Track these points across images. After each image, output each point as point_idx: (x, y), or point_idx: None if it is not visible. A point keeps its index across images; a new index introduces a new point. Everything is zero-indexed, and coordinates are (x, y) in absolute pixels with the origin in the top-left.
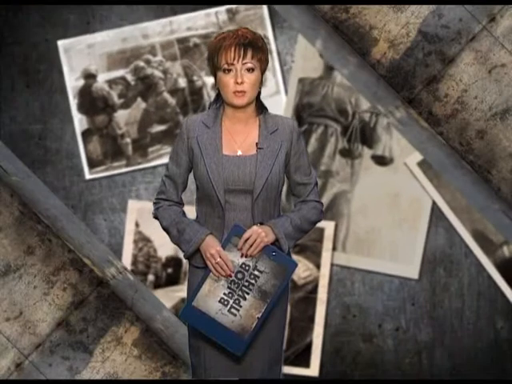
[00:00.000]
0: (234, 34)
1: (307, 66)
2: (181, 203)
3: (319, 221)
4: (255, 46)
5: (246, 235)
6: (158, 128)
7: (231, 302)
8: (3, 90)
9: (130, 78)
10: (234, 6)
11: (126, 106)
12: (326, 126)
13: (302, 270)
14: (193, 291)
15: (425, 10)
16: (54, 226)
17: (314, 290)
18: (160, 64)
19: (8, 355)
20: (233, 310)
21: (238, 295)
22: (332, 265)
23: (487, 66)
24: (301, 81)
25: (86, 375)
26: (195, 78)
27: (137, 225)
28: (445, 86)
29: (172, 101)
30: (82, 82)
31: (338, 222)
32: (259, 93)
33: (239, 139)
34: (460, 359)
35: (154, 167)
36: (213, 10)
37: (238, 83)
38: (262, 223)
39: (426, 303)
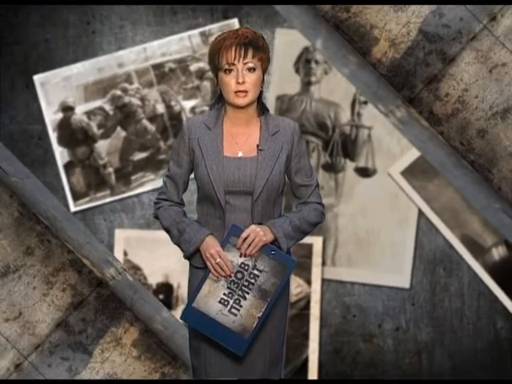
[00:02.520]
0: (235, 34)
1: (284, 83)
2: (181, 203)
3: (320, 222)
4: (256, 45)
5: (244, 234)
6: (140, 155)
7: (231, 302)
8: (3, 89)
9: (108, 107)
10: (206, 29)
11: (106, 135)
12: (308, 142)
13: (294, 286)
14: (193, 292)
15: (425, 9)
16: (54, 226)
17: (307, 307)
18: (137, 91)
19: (7, 356)
20: (233, 310)
21: (238, 295)
22: (323, 280)
23: (488, 66)
24: (279, 98)
25: (85, 376)
26: (173, 102)
27: (125, 254)
28: (445, 85)
29: (151, 127)
30: (60, 115)
31: (325, 237)
32: (261, 92)
33: (240, 140)
34: (460, 359)
35: (138, 195)
36: (186, 34)
37: (239, 83)
38: (260, 223)
39: (425, 303)
